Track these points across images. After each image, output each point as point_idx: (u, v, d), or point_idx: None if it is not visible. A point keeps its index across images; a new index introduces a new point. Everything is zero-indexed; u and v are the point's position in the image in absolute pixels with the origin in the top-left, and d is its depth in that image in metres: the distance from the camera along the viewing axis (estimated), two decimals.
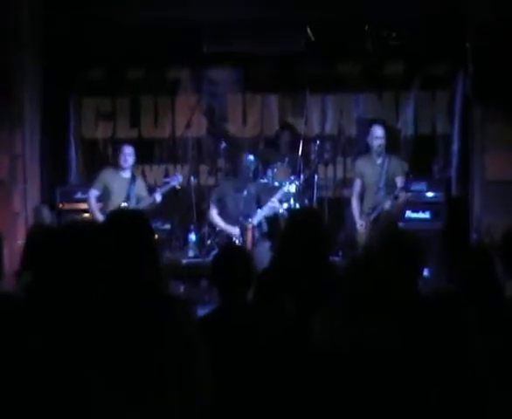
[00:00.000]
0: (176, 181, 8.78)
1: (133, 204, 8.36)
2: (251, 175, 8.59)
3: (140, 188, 8.67)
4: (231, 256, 3.85)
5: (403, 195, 8.21)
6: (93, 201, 8.53)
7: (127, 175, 8.54)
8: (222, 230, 8.60)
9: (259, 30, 9.66)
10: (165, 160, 10.52)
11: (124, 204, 8.31)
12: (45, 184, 9.47)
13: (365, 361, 3.25)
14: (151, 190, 8.79)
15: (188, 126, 9.77)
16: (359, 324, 3.33)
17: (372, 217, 8.09)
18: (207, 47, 9.77)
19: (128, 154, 8.51)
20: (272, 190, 8.83)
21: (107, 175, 8.59)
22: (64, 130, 10.25)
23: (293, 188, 8.82)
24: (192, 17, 9.21)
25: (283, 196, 8.70)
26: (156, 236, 4.68)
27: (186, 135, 9.90)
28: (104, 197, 8.52)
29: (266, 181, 9.22)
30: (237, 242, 8.22)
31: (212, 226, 8.92)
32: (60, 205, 9.45)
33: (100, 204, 8.55)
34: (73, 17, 9.11)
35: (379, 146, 8.20)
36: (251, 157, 8.65)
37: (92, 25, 9.25)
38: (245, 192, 8.45)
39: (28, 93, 8.86)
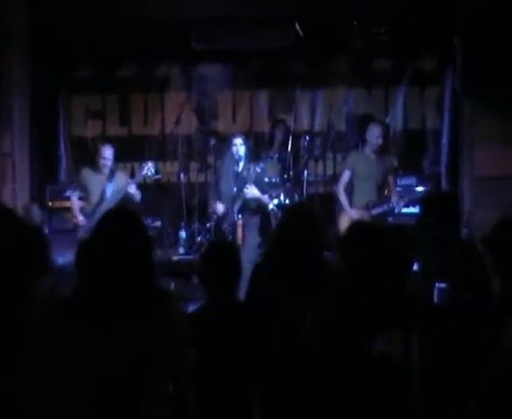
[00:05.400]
0: (147, 169, 8.43)
1: (110, 202, 7.92)
2: (240, 161, 8.18)
3: (120, 183, 8.40)
4: (218, 253, 3.84)
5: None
6: (74, 200, 8.38)
7: (105, 172, 8.33)
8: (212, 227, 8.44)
9: (247, 27, 9.67)
10: (155, 157, 10.48)
11: (100, 203, 8.11)
12: (35, 183, 9.44)
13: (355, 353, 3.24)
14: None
15: (177, 122, 9.71)
16: (350, 316, 3.32)
17: (374, 212, 7.99)
18: (196, 44, 9.77)
19: (108, 159, 8.21)
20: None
21: (86, 176, 8.31)
22: (53, 128, 10.25)
23: (257, 169, 8.08)
24: (181, 14, 9.20)
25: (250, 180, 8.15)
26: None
27: (176, 132, 9.84)
28: (84, 197, 8.35)
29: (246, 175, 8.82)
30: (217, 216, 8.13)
31: (203, 223, 8.81)
32: (50, 203, 9.43)
33: (81, 203, 8.39)
34: (61, 15, 9.08)
35: (380, 145, 8.09)
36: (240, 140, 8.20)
37: (80, 23, 9.21)
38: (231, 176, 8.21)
39: (16, 92, 8.83)
